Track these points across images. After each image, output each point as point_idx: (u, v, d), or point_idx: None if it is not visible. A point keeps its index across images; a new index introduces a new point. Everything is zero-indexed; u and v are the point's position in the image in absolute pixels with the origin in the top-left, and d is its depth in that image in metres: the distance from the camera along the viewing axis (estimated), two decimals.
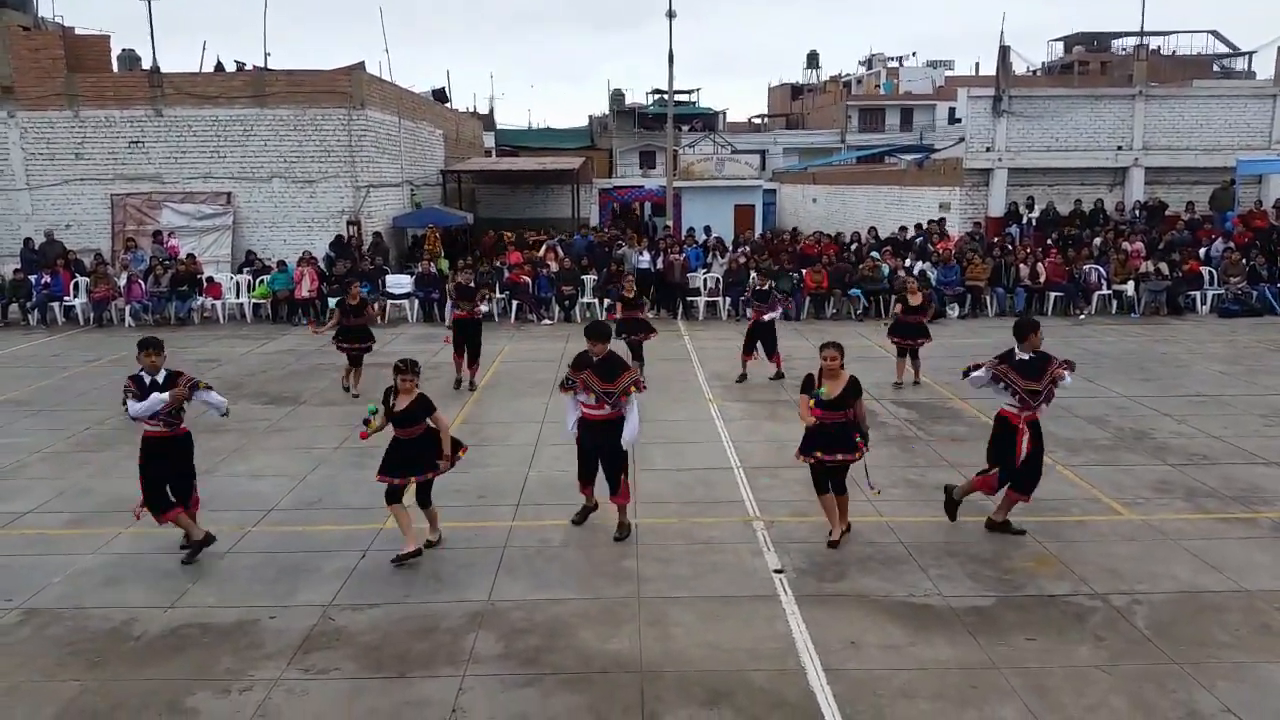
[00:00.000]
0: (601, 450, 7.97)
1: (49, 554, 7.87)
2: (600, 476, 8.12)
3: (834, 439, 7.71)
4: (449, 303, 15.27)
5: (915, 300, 13.74)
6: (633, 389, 7.91)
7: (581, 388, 7.83)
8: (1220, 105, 26.32)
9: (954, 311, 20.18)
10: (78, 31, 26.30)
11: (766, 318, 13.99)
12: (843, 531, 7.95)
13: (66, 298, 20.40)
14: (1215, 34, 65.95)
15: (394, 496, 7.57)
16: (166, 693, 5.76)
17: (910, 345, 13.73)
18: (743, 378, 14.07)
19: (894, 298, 14.63)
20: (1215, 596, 6.92)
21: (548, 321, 20.26)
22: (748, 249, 23.01)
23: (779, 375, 14.10)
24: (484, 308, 14.28)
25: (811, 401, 7.68)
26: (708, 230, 25.86)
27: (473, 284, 14.09)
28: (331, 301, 19.42)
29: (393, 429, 7.65)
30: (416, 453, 7.60)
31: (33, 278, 20.35)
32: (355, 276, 16.85)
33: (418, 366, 7.71)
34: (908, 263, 21.32)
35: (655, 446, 10.80)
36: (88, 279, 20.47)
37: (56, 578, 7.39)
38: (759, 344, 14.07)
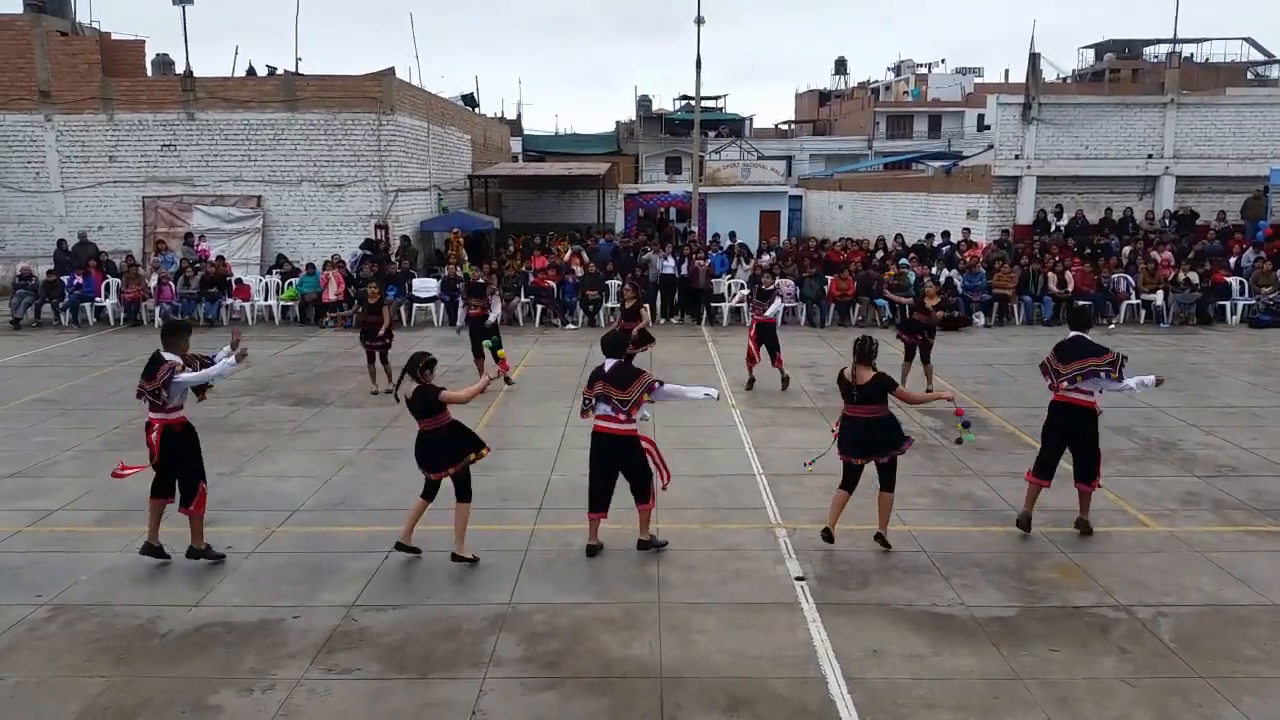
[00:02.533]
0: (623, 466, 7.75)
1: (78, 551, 7.98)
2: (608, 497, 7.89)
3: (869, 441, 7.69)
4: (461, 302, 15.03)
5: (932, 301, 13.64)
6: (645, 396, 7.62)
7: (596, 399, 7.67)
8: (1254, 113, 26.03)
9: (980, 319, 20.05)
10: (113, 37, 26.64)
11: (769, 313, 13.97)
12: (879, 535, 7.94)
13: (98, 298, 20.66)
14: (1250, 41, 65.09)
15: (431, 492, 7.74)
16: (190, 690, 5.82)
17: (917, 341, 13.45)
18: (751, 383, 14.00)
19: (908, 303, 14.34)
20: (1242, 610, 6.85)
21: (572, 326, 20.30)
22: (772, 255, 22.98)
23: (785, 380, 13.91)
24: (495, 313, 13.94)
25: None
26: (732, 236, 25.85)
27: (481, 280, 14.29)
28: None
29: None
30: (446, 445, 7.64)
31: (65, 278, 20.63)
32: (376, 278, 16.97)
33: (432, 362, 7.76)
34: (934, 270, 21.22)
35: (678, 452, 10.79)
36: (119, 280, 20.74)
37: (84, 575, 7.50)
38: (763, 347, 13.89)
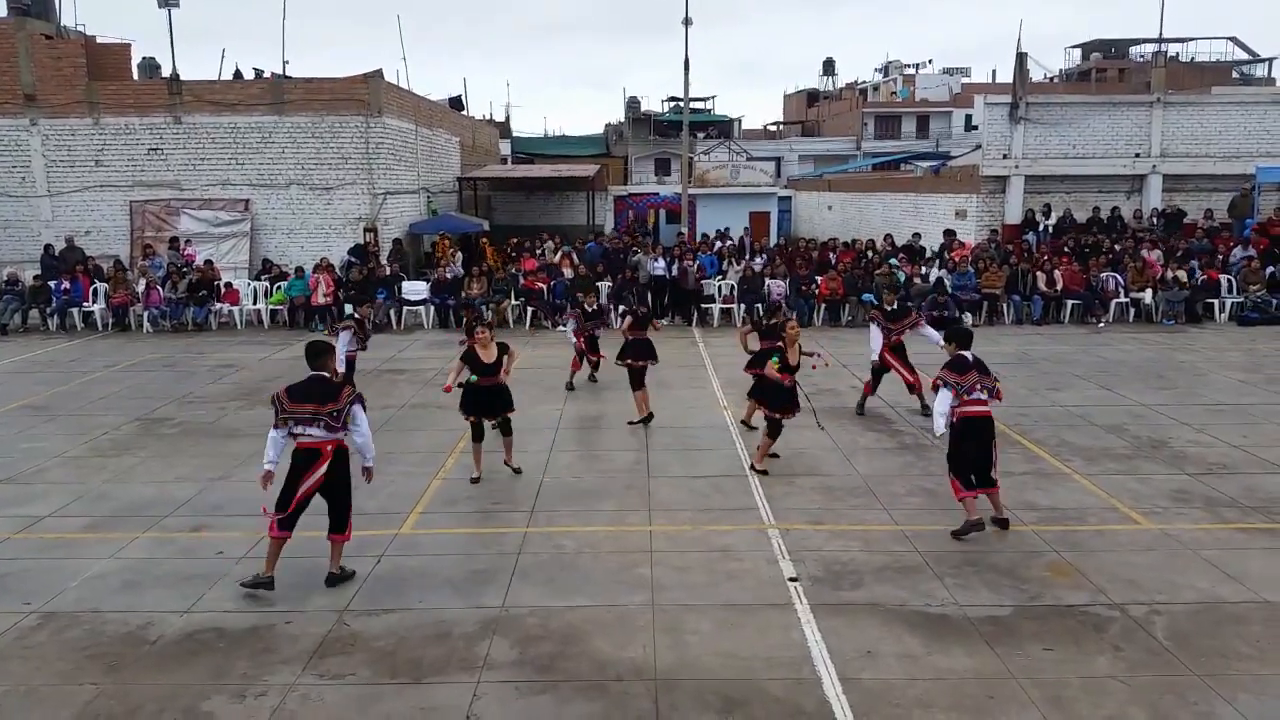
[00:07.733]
0: (987, 443, 8.31)
1: (67, 558, 7.92)
2: None
3: (791, 400, 10.00)
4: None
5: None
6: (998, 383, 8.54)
7: (978, 388, 8.26)
8: (1239, 112, 26.15)
9: (969, 319, 20.06)
10: (99, 40, 26.51)
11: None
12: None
13: (86, 303, 20.54)
14: (1235, 40, 65.53)
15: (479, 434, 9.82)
16: (182, 697, 5.78)
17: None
18: (570, 386, 14.49)
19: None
20: (1236, 607, 6.86)
21: (562, 328, 20.25)
22: (762, 257, 23.00)
23: (572, 376, 14.59)
24: (341, 346, 12.81)
25: (775, 364, 9.83)
26: (722, 236, 25.81)
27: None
28: (349, 308, 19.67)
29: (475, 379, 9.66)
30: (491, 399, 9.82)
31: (53, 284, 20.52)
32: (372, 283, 16.75)
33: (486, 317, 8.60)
34: (924, 270, 21.28)
35: (670, 453, 10.80)
36: (107, 285, 20.63)
37: (74, 581, 7.44)
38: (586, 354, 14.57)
